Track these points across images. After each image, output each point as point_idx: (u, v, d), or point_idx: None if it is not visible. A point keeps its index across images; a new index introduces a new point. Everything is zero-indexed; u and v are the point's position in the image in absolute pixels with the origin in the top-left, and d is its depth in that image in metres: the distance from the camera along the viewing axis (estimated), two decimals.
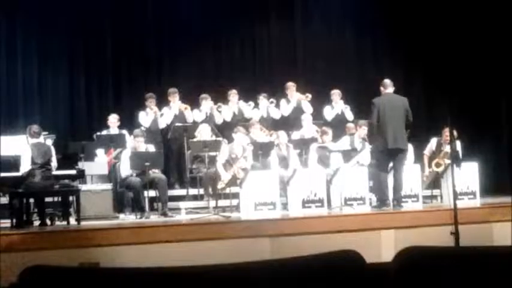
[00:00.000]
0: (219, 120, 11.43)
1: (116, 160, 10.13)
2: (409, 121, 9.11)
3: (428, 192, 10.64)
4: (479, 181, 10.13)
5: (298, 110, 11.74)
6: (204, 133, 10.19)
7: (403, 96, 9.40)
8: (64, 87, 12.29)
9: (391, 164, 9.40)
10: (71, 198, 8.68)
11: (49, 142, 9.07)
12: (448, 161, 9.57)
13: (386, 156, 9.15)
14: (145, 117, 11.09)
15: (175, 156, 11.11)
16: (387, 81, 9.32)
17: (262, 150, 10.35)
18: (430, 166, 10.51)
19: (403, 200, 9.27)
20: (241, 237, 7.37)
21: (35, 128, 8.55)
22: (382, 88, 9.29)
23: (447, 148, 9.33)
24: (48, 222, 8.39)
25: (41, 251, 6.63)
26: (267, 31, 13.70)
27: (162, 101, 11.48)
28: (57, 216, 8.75)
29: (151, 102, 11.13)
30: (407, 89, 12.55)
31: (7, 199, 8.35)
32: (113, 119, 10.82)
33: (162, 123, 11.16)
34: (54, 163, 8.41)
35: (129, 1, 12.87)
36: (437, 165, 10.37)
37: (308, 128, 11.26)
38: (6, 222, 8.08)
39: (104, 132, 10.77)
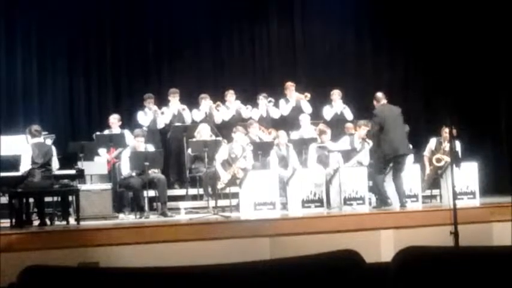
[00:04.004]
0: (218, 119, 11.43)
1: (117, 160, 10.13)
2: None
3: (427, 192, 10.64)
4: (478, 181, 10.12)
5: (297, 110, 11.74)
6: (203, 133, 10.19)
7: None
8: (64, 87, 12.28)
9: (390, 164, 9.44)
10: (70, 198, 8.68)
11: (49, 142, 9.06)
12: (448, 158, 9.58)
13: (388, 163, 9.27)
14: (144, 117, 11.10)
15: (174, 156, 11.11)
16: (379, 94, 9.60)
17: (261, 150, 10.34)
18: (431, 165, 10.51)
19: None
20: (240, 237, 7.38)
21: (35, 127, 8.55)
22: (375, 102, 9.51)
23: (447, 146, 9.35)
24: (48, 222, 8.38)
25: (40, 251, 6.64)
26: (266, 31, 13.69)
27: (162, 101, 11.50)
28: (56, 216, 8.75)
29: (149, 103, 11.15)
30: (407, 89, 12.59)
31: (7, 199, 8.33)
32: (114, 119, 10.80)
33: (161, 123, 11.17)
34: (55, 163, 8.41)
35: (129, 1, 12.87)
36: (438, 160, 10.38)
37: (306, 128, 11.27)
38: (6, 222, 8.09)
39: (105, 132, 10.77)
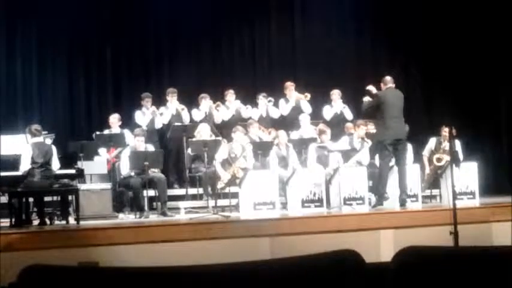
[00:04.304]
0: (218, 119, 11.43)
1: (117, 159, 10.13)
2: None
3: (427, 192, 10.64)
4: (478, 181, 10.12)
5: (297, 110, 11.75)
6: (203, 132, 10.19)
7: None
8: (64, 87, 12.29)
9: (391, 163, 9.42)
10: (70, 197, 8.67)
11: (48, 141, 9.06)
12: (448, 157, 9.58)
13: (389, 148, 9.20)
14: (142, 117, 11.11)
15: (174, 155, 11.11)
16: (388, 78, 9.54)
17: (261, 150, 10.35)
18: (430, 164, 10.51)
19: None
20: (240, 237, 7.37)
21: (35, 126, 8.54)
22: (382, 84, 9.48)
23: (447, 145, 9.34)
24: (48, 221, 8.37)
25: (40, 251, 6.63)
26: (266, 31, 13.69)
27: (161, 101, 11.50)
28: (56, 216, 8.73)
29: (147, 102, 11.16)
30: (406, 89, 12.52)
31: (6, 198, 8.33)
32: (114, 119, 10.81)
33: (159, 123, 11.17)
34: (55, 163, 8.40)
35: (128, 1, 12.87)
36: (439, 160, 10.38)
37: (306, 127, 11.27)
38: (6, 222, 8.08)
39: (105, 132, 10.77)
